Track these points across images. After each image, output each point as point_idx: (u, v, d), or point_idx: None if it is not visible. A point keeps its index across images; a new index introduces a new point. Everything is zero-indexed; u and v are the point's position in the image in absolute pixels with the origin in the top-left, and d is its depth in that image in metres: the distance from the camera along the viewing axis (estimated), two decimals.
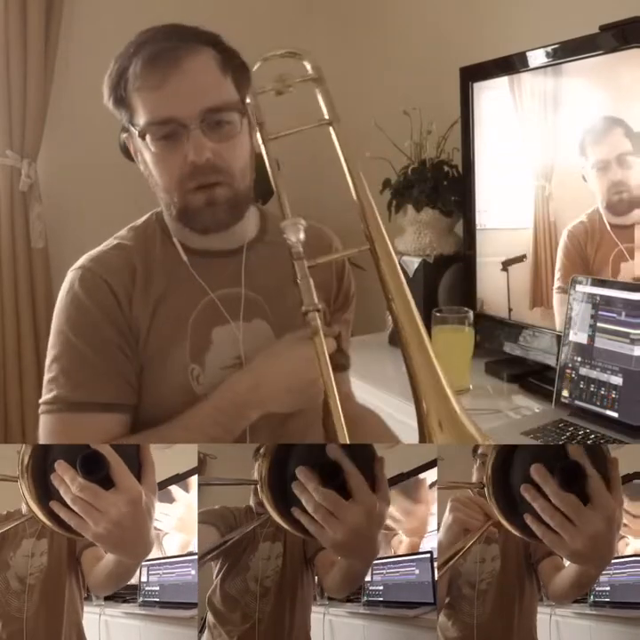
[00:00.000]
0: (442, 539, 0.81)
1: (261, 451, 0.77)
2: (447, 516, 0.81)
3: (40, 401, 1.04)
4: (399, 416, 1.81)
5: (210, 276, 1.06)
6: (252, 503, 0.85)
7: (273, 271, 1.08)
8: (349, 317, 1.24)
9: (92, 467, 0.72)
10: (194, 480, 0.81)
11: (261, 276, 1.09)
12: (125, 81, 0.97)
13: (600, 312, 1.53)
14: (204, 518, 0.83)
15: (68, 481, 0.71)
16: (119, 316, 1.03)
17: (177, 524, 0.83)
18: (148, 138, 0.97)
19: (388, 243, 0.99)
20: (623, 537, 0.79)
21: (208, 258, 1.07)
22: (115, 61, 1.01)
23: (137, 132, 0.98)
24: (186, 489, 0.82)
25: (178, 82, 0.94)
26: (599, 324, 1.53)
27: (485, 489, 0.74)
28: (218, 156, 0.97)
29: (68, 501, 0.71)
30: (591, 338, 1.54)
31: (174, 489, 0.82)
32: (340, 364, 1.20)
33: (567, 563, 0.78)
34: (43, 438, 1.03)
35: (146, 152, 1.00)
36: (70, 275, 1.06)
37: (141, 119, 0.97)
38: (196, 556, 0.81)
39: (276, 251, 1.04)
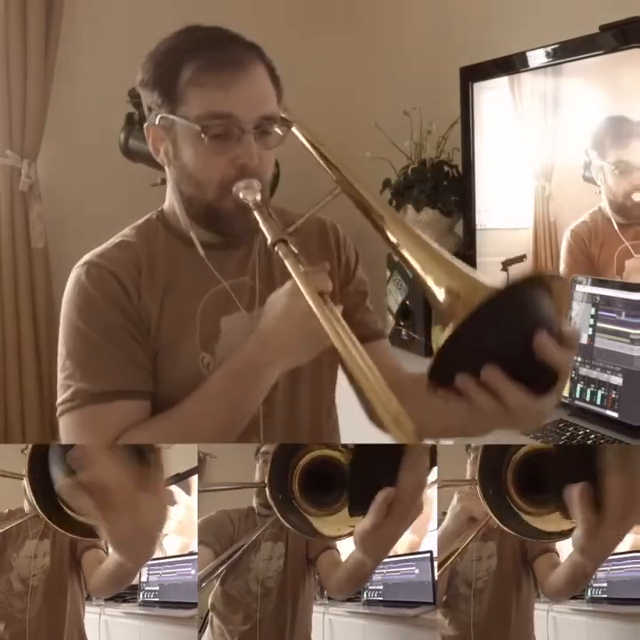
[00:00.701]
0: (449, 525, 0.81)
1: (262, 450, 0.77)
2: (455, 505, 0.82)
3: (58, 402, 1.02)
4: None
5: (217, 268, 1.08)
6: (254, 504, 0.85)
7: (273, 260, 1.10)
8: (361, 288, 1.21)
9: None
10: (195, 482, 0.81)
11: (263, 265, 1.11)
12: (182, 73, 0.98)
13: (600, 312, 1.53)
14: (199, 537, 0.82)
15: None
16: (128, 304, 1.04)
17: (177, 526, 0.83)
18: (205, 136, 0.97)
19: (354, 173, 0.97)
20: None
21: (213, 250, 1.08)
22: (164, 52, 1.01)
23: (192, 125, 0.97)
24: (187, 491, 0.82)
25: (244, 86, 0.97)
26: (599, 324, 1.53)
27: (476, 486, 0.75)
28: (262, 162, 1.00)
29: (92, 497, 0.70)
30: (591, 338, 1.55)
31: (176, 491, 0.82)
32: (365, 334, 1.13)
33: (562, 560, 0.78)
34: (67, 438, 1.01)
35: (189, 145, 1.00)
36: (75, 271, 1.06)
37: (196, 112, 0.97)
38: (196, 556, 0.81)
39: None
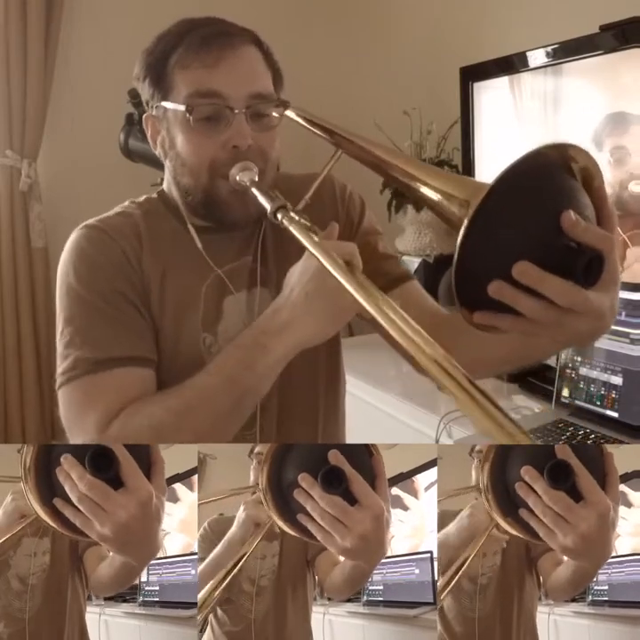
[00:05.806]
0: (462, 538, 0.81)
1: (256, 450, 0.77)
2: (464, 518, 0.81)
3: (57, 374, 0.96)
4: (399, 416, 1.82)
5: (218, 250, 1.05)
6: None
7: (276, 242, 1.08)
8: (368, 239, 1.13)
9: (102, 464, 0.69)
10: (195, 481, 0.81)
11: (265, 245, 1.09)
12: (170, 59, 0.96)
13: None
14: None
15: (75, 478, 0.68)
16: (130, 270, 1.00)
17: (179, 525, 0.82)
18: (190, 117, 0.94)
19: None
20: (620, 536, 0.79)
21: (215, 233, 1.06)
22: (157, 41, 0.99)
23: (181, 106, 0.95)
24: (190, 488, 0.81)
25: (231, 64, 0.95)
26: None
27: (483, 491, 0.74)
28: (257, 145, 0.96)
29: (74, 499, 0.69)
30: None
31: (179, 488, 0.81)
32: (388, 281, 1.09)
33: (565, 559, 0.79)
34: (67, 412, 0.95)
35: (179, 130, 0.97)
36: (74, 235, 1.02)
37: (183, 94, 0.95)
38: (196, 556, 0.81)
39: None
